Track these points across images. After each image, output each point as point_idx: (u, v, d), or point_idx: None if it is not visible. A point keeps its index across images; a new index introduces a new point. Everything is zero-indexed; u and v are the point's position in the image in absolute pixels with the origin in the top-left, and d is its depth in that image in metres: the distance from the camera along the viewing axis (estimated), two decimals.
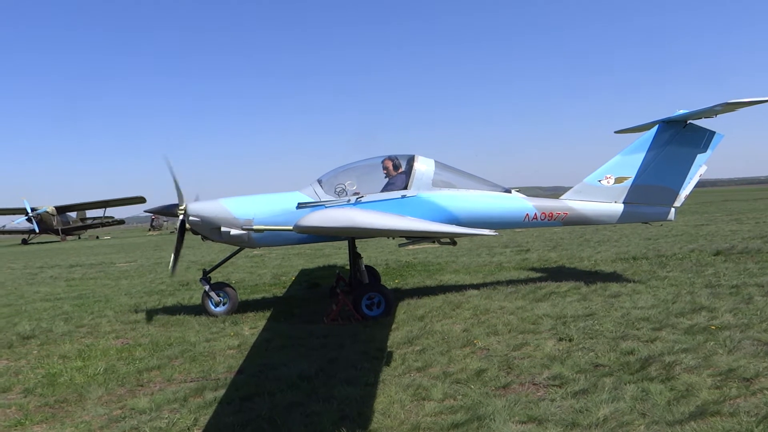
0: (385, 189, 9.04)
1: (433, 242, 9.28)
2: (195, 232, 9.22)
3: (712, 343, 5.89)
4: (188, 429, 4.70)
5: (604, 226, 20.44)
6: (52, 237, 51.28)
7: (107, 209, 51.27)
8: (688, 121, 9.58)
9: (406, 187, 8.92)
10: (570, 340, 6.41)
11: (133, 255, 25.47)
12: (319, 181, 9.09)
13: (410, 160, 9.16)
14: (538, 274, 11.37)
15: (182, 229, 9.15)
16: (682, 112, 9.45)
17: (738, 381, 4.85)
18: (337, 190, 8.98)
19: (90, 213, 54.03)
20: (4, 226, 51.56)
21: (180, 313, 9.46)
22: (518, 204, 9.38)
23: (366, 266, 9.95)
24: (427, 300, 9.34)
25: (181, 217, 8.90)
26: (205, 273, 9.53)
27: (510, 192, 9.51)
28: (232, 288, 9.65)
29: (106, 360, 6.94)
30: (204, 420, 4.84)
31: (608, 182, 9.71)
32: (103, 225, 53.44)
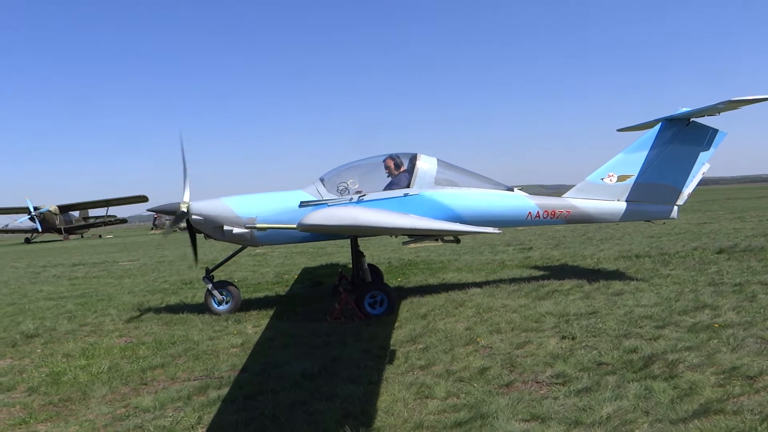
0: (388, 187, 9.04)
1: (436, 240, 9.29)
2: (198, 231, 9.24)
3: (715, 341, 5.88)
4: (192, 427, 4.70)
5: (606, 224, 20.40)
6: (55, 236, 51.44)
7: (110, 208, 51.43)
8: (691, 119, 9.57)
9: (408, 186, 8.92)
10: (573, 339, 6.40)
11: (135, 254, 25.53)
12: (322, 180, 9.08)
13: (413, 159, 9.16)
14: (541, 272, 11.36)
15: (189, 225, 9.17)
16: (684, 109, 9.42)
17: (741, 379, 4.84)
18: (340, 188, 8.98)
19: (92, 212, 54.20)
20: (7, 226, 51.74)
21: (183, 312, 9.48)
22: (521, 202, 9.38)
23: (369, 264, 9.96)
24: (429, 298, 9.34)
25: (184, 209, 8.81)
26: (208, 271, 9.54)
27: (513, 190, 9.50)
28: (235, 286, 9.66)
29: (110, 358, 6.96)
30: (208, 418, 4.85)
31: (611, 180, 9.70)
32: (105, 224, 53.58)
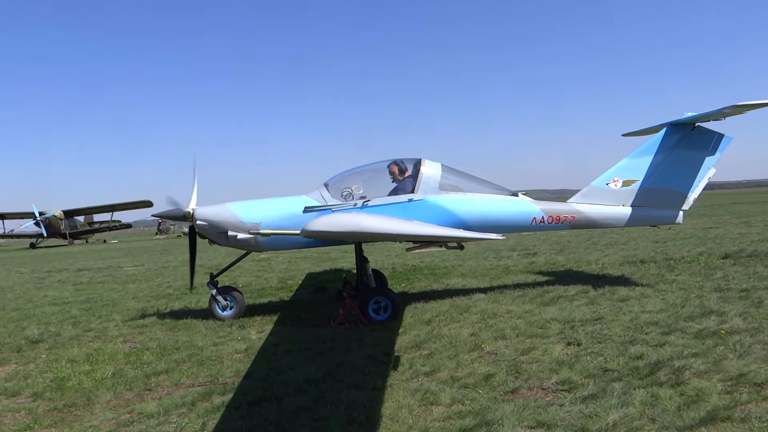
0: (392, 193, 9.04)
1: (441, 246, 9.28)
2: (202, 236, 9.26)
3: (722, 348, 5.84)
4: None
5: (611, 230, 20.34)
6: (60, 241, 51.56)
7: (114, 213, 51.57)
8: (697, 124, 9.54)
9: (413, 191, 8.92)
10: (578, 345, 6.37)
11: (140, 259, 25.58)
12: (326, 185, 9.09)
13: (417, 164, 9.17)
14: (546, 278, 11.33)
15: (193, 233, 9.21)
16: (690, 114, 9.40)
17: (749, 386, 4.82)
18: (344, 194, 8.98)
19: (97, 217, 54.36)
20: (12, 230, 51.98)
21: (187, 317, 9.48)
22: (525, 207, 9.36)
23: (373, 270, 9.95)
24: (434, 304, 9.32)
25: (190, 211, 8.92)
26: (212, 277, 9.54)
27: (517, 195, 9.49)
28: (239, 292, 9.66)
29: (114, 364, 6.96)
30: (212, 424, 4.84)
31: (616, 185, 9.67)
32: (110, 229, 53.68)
